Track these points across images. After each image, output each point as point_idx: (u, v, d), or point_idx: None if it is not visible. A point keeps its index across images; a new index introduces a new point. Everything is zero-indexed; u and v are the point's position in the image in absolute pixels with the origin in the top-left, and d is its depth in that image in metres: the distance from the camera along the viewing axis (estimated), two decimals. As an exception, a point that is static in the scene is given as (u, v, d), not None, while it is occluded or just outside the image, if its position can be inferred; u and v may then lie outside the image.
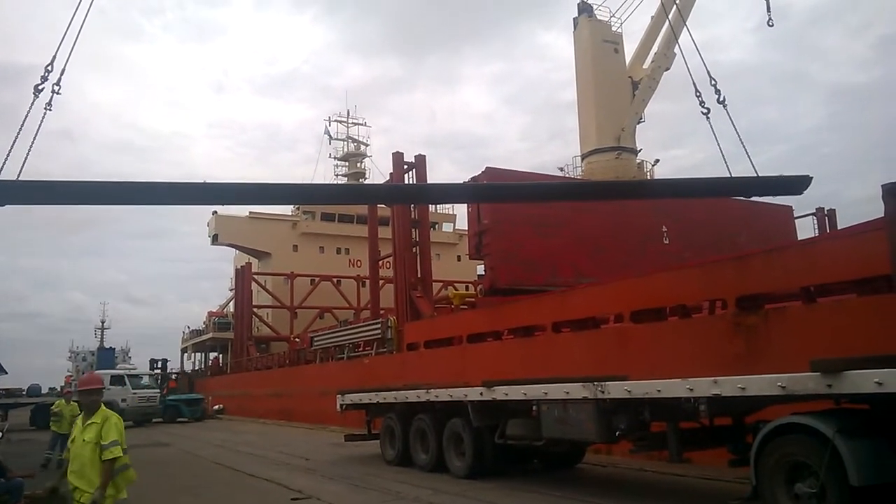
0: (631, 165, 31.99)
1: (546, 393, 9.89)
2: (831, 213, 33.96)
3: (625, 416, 8.86)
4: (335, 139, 56.34)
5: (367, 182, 52.22)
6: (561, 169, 34.13)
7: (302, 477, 12.93)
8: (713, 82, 10.44)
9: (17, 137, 8.45)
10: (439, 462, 12.38)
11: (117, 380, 32.33)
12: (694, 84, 10.67)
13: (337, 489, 11.34)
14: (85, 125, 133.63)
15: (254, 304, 47.16)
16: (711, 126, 10.63)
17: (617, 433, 8.96)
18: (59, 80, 8.91)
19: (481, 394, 11.14)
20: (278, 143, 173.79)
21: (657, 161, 34.37)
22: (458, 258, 49.40)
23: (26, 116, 8.60)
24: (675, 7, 32.33)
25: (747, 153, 10.08)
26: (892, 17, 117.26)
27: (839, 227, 33.26)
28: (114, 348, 73.52)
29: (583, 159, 33.20)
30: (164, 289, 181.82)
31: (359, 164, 56.10)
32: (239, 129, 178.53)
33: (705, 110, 10.60)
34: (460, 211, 51.20)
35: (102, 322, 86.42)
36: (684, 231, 24.77)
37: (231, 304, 55.46)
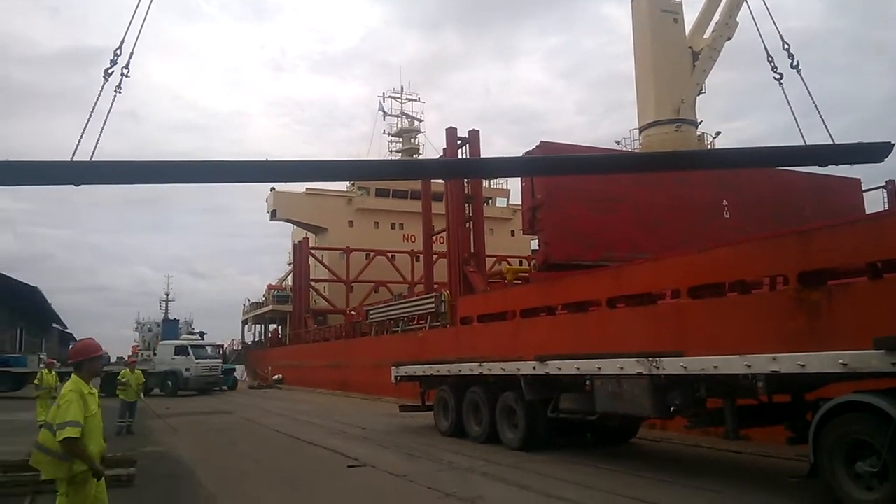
0: (691, 138, 31.22)
1: (599, 368, 9.89)
2: (902, 187, 32.54)
3: (680, 391, 8.80)
4: (389, 115, 56.59)
5: (420, 157, 52.35)
6: (618, 142, 33.59)
7: (358, 445, 13.24)
8: (786, 46, 10.05)
9: (89, 120, 8.74)
10: (492, 434, 12.52)
11: (181, 350, 33.42)
12: (766, 48, 10.28)
13: (392, 458, 11.58)
14: (148, 106, 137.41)
15: (311, 277, 48.06)
16: (785, 92, 10.24)
17: (672, 409, 8.89)
18: (129, 63, 9.16)
19: (534, 368, 11.20)
20: (334, 120, 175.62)
21: (718, 133, 33.50)
22: (512, 233, 49.24)
23: (97, 99, 8.86)
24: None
25: (822, 119, 9.67)
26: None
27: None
28: (178, 319, 75.73)
29: (640, 132, 32.54)
30: (224, 263, 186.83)
31: (413, 140, 56.22)
32: (296, 106, 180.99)
33: (778, 76, 10.21)
34: (514, 186, 51.01)
35: (167, 294, 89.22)
36: (746, 205, 24.11)
37: (289, 278, 56.66)
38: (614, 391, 9.61)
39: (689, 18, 33.23)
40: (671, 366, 8.69)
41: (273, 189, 49.00)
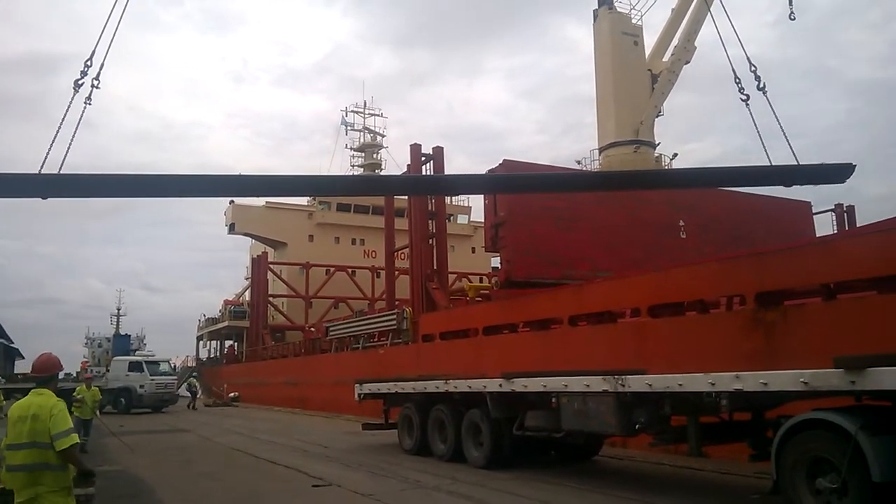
0: (649, 159, 31.85)
1: (566, 385, 9.97)
2: (850, 210, 33.68)
3: (645, 409, 8.93)
4: (352, 129, 56.52)
5: (383, 173, 52.34)
6: (578, 162, 34.07)
7: (321, 464, 13.09)
8: (753, 68, 10.42)
9: (58, 131, 8.60)
10: (457, 452, 12.50)
11: (136, 366, 32.68)
12: (733, 70, 10.67)
13: (357, 477, 11.48)
14: (104, 115, 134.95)
15: (269, 293, 47.48)
16: (751, 113, 10.60)
17: (637, 426, 9.02)
18: (99, 74, 9.06)
19: (500, 385, 11.24)
20: (295, 134, 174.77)
21: (675, 155, 34.25)
22: (473, 250, 49.45)
23: (67, 110, 8.76)
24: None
25: (787, 138, 10.04)
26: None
27: (858, 224, 33.04)
28: (129, 335, 74.09)
29: (600, 152, 33.10)
30: (179, 277, 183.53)
31: (375, 155, 56.20)
32: (256, 119, 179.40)
33: (745, 97, 10.57)
34: (475, 203, 51.33)
35: (118, 309, 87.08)
36: (702, 226, 24.71)
37: (247, 293, 55.84)
38: (580, 409, 9.71)
39: (649, 41, 34.08)
40: (637, 384, 8.82)
41: (232, 202, 48.37)
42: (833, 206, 33.69)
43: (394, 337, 26.79)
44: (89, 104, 9.14)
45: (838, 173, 10.15)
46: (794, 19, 15.46)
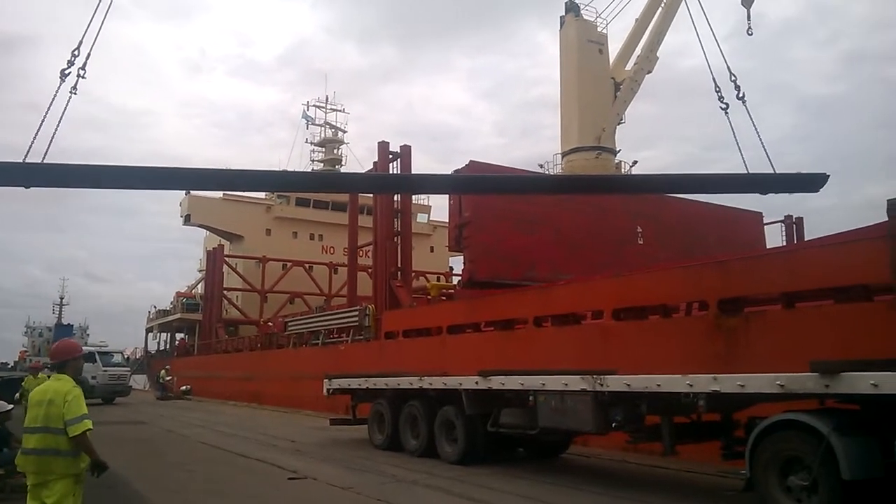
0: (609, 165, 32.52)
1: (544, 384, 10.26)
2: (799, 221, 34.93)
3: (622, 408, 9.27)
4: (313, 124, 56.12)
5: (343, 169, 52.15)
6: (541, 166, 34.57)
7: (293, 458, 13.13)
8: (733, 78, 10.84)
9: (43, 121, 8.52)
10: (429, 447, 12.68)
11: (88, 357, 31.85)
12: (714, 79, 11.08)
13: (331, 470, 11.59)
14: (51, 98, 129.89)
15: (224, 286, 46.86)
16: (730, 121, 11.01)
17: (613, 425, 9.36)
18: (85, 64, 8.99)
19: (477, 383, 11.48)
20: (250, 126, 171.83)
21: (635, 162, 35.03)
22: (432, 249, 49.66)
23: (53, 100, 8.69)
24: (660, 9, 33.12)
25: (764, 148, 10.48)
26: (857, 31, 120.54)
27: (806, 235, 34.33)
28: (72, 325, 72.09)
29: (563, 157, 33.67)
30: (125, 267, 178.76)
31: (335, 151, 55.91)
32: (211, 108, 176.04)
33: (724, 105, 11.00)
34: (435, 202, 51.59)
35: (61, 298, 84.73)
36: (658, 233, 25.40)
37: (200, 286, 54.99)
38: (557, 407, 10.01)
39: (613, 49, 34.78)
40: (615, 383, 9.16)
41: (188, 193, 47.53)
42: (783, 217, 34.93)
43: (355, 334, 26.81)
44: (75, 94, 9.08)
45: (813, 182, 10.62)
46: (751, 34, 16.12)
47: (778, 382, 7.38)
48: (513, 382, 10.86)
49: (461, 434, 12.00)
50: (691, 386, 8.21)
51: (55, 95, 8.85)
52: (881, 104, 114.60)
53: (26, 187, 8.97)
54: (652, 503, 8.90)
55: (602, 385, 9.27)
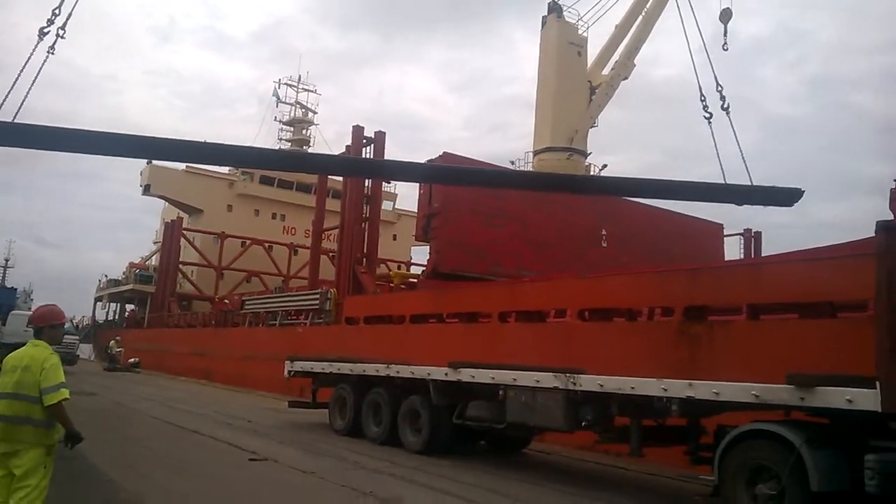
0: (580, 167, 32.72)
1: (515, 379, 10.24)
2: (758, 235, 35.79)
3: (592, 407, 9.30)
4: (283, 102, 55.31)
5: (311, 150, 51.51)
6: (512, 162, 34.60)
7: (250, 438, 12.91)
8: (719, 88, 10.91)
9: (17, 79, 8.15)
10: (391, 436, 12.57)
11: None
12: (699, 87, 11.15)
13: (291, 453, 11.43)
14: (13, 55, 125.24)
15: (180, 260, 45.96)
16: (712, 131, 11.09)
17: (583, 423, 9.40)
18: (65, 24, 8.62)
19: (446, 374, 11.41)
20: (216, 100, 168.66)
21: (605, 166, 35.35)
22: (394, 237, 49.49)
23: (29, 58, 8.27)
24: (641, 16, 33.44)
25: (744, 160, 10.57)
26: (824, 55, 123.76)
27: (763, 249, 35.20)
28: (15, 288, 69.74)
29: (535, 155, 33.81)
30: (77, 234, 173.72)
31: (304, 132, 55.23)
32: (177, 79, 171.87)
33: (708, 115, 11.08)
34: (401, 190, 51.38)
35: (6, 260, 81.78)
36: (622, 237, 25.76)
37: (154, 258, 53.86)
38: (528, 402, 9.99)
39: (592, 53, 34.98)
40: (588, 383, 9.18)
41: (150, 163, 46.39)
42: (742, 231, 35.77)
43: (314, 317, 26.54)
44: (52, 54, 8.72)
45: (789, 197, 10.77)
46: (727, 49, 16.27)
47: (753, 392, 7.47)
48: (483, 376, 10.82)
49: (426, 424, 11.92)
50: (666, 390, 8.28)
51: (31, 54, 8.45)
52: (840, 128, 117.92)
53: None
54: (618, 503, 8.96)
55: (575, 384, 9.29)
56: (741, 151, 10.94)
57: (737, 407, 8.11)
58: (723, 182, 10.99)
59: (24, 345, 5.34)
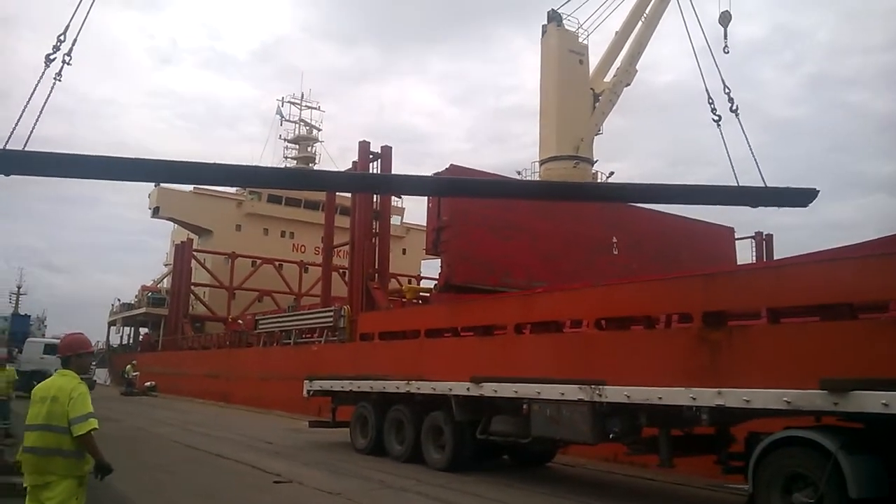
0: (587, 175, 32.72)
1: (539, 392, 10.17)
2: (769, 238, 35.62)
3: (619, 419, 9.21)
4: (287, 121, 55.54)
5: (317, 167, 51.69)
6: (519, 173, 34.67)
7: (273, 460, 12.85)
8: (727, 90, 10.88)
9: (25, 107, 8.21)
10: (415, 453, 12.49)
11: (51, 349, 30.91)
12: (707, 91, 11.12)
13: (315, 474, 11.35)
14: (13, 82, 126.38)
15: (192, 281, 46.05)
16: (722, 134, 11.08)
17: (611, 435, 9.31)
18: (71, 50, 8.68)
19: (468, 389, 11.33)
20: (219, 120, 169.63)
21: (612, 173, 35.27)
22: (404, 251, 49.48)
23: (37, 85, 8.37)
24: (641, 22, 33.48)
25: (756, 162, 10.58)
26: (821, 55, 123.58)
27: (775, 251, 35.01)
28: (29, 315, 69.95)
29: (541, 165, 33.81)
30: (83, 258, 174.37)
31: (309, 149, 55.41)
32: (179, 101, 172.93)
33: (717, 117, 11.05)
34: (408, 205, 51.45)
35: (18, 287, 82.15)
36: (632, 244, 25.65)
37: (166, 280, 53.98)
38: (553, 416, 9.92)
39: (593, 61, 35.00)
40: (614, 394, 9.10)
41: (158, 185, 46.60)
42: (753, 234, 35.59)
43: (329, 334, 26.50)
44: (59, 80, 8.76)
45: (804, 197, 10.71)
46: (728, 52, 16.31)
47: (785, 399, 7.38)
48: (506, 390, 10.75)
49: (449, 441, 11.84)
50: (695, 399, 8.19)
51: (39, 81, 8.53)
52: (842, 128, 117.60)
53: (6, 175, 8.65)
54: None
55: (600, 395, 9.22)
56: (752, 153, 10.93)
57: (767, 413, 8.03)
58: (736, 185, 10.98)
59: (41, 372, 5.32)
